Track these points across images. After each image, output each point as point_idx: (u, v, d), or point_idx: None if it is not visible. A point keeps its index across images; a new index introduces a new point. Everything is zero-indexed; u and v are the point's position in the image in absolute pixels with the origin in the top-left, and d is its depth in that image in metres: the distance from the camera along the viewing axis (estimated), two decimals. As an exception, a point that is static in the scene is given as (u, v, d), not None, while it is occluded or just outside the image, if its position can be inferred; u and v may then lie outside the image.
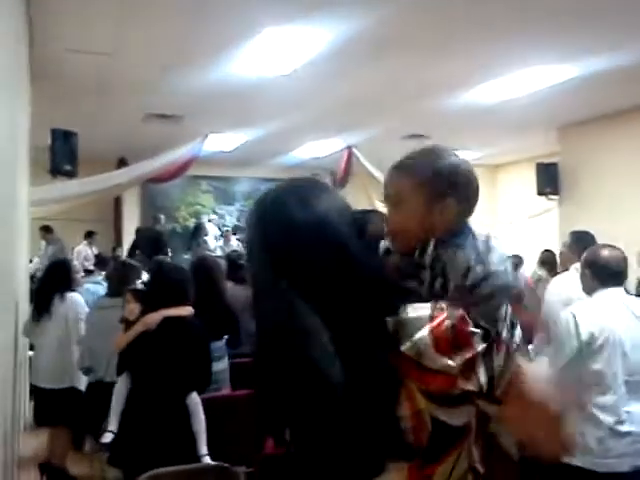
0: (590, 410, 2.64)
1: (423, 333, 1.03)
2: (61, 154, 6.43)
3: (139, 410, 3.07)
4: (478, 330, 1.05)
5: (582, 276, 2.99)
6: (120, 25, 4.91)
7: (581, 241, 4.20)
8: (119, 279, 4.23)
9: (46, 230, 9.29)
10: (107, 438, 3.06)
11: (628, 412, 2.63)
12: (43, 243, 9.41)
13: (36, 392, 4.32)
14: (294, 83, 6.42)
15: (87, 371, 4.06)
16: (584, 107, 7.82)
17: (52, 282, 4.38)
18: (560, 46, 5.54)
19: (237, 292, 4.44)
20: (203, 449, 3.06)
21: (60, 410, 4.21)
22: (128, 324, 3.41)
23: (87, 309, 4.38)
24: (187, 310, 3.20)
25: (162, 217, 10.87)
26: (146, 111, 7.70)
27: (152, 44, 5.40)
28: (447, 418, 1.05)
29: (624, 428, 2.61)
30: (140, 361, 3.13)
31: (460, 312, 1.05)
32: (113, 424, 3.09)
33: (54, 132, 6.46)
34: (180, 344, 3.09)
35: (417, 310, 1.06)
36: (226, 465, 2.63)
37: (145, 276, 4.40)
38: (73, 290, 4.45)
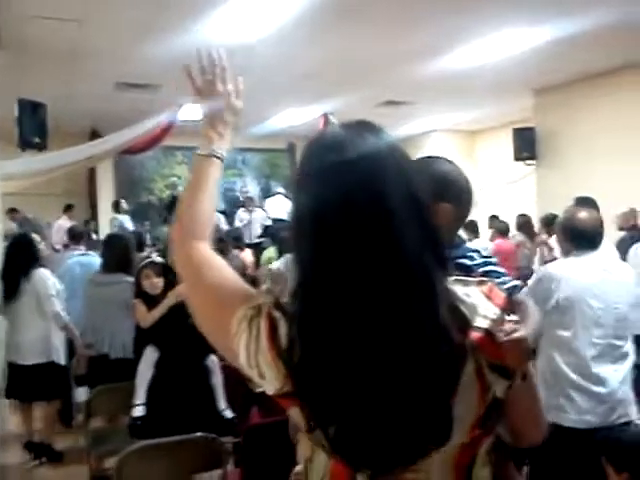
0: (561, 368, 2.69)
1: (484, 302, 1.01)
2: (29, 126, 6.26)
3: (167, 378, 3.17)
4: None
5: (558, 239, 3.06)
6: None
7: (584, 205, 4.24)
8: (117, 255, 4.18)
9: (14, 211, 9.11)
10: (139, 411, 3.12)
11: (597, 373, 2.67)
12: (13, 225, 9.18)
13: (14, 369, 4.27)
14: (266, 50, 6.31)
15: (88, 346, 4.06)
16: (558, 71, 7.81)
17: (16, 260, 4.32)
18: (532, 9, 5.50)
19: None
20: (222, 404, 3.22)
21: (42, 385, 4.19)
22: (149, 298, 3.37)
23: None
24: None
25: (123, 201, 10.53)
26: (118, 80, 7.51)
27: (122, 11, 5.24)
28: (500, 392, 1.00)
29: (593, 388, 2.66)
30: (170, 332, 3.19)
31: (491, 286, 1.05)
32: (141, 397, 3.15)
33: (21, 103, 6.26)
34: None
35: (466, 284, 1.03)
36: (213, 435, 2.63)
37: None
38: (42, 265, 4.37)
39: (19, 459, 4.37)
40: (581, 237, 2.84)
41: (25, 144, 6.21)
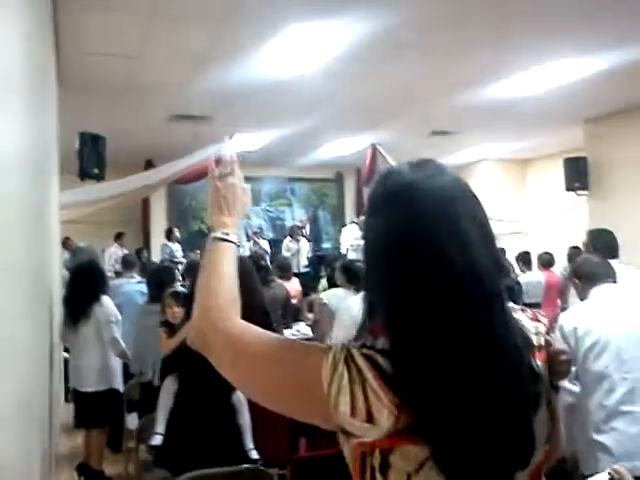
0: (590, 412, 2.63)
1: (539, 327, 1.11)
2: (89, 158, 6.49)
3: (187, 410, 3.12)
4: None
5: (574, 287, 3.08)
6: (147, 28, 4.93)
7: (598, 239, 4.13)
8: (156, 284, 4.29)
9: (68, 240, 9.28)
10: (156, 440, 3.10)
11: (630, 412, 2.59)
12: (66, 254, 9.37)
13: (77, 395, 4.37)
14: (318, 81, 6.41)
15: (140, 374, 4.14)
16: (610, 100, 7.69)
17: (86, 285, 4.35)
18: (583, 39, 5.45)
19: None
20: (249, 443, 3.14)
21: (102, 412, 4.27)
22: (171, 327, 3.43)
23: (120, 311, 4.43)
24: None
25: (176, 230, 10.83)
26: (172, 112, 7.74)
27: (178, 46, 5.43)
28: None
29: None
30: (189, 362, 3.13)
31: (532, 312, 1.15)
32: (161, 426, 3.14)
33: (82, 136, 6.51)
34: None
35: (514, 310, 1.10)
36: (260, 467, 2.63)
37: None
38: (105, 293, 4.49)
39: (69, 482, 4.44)
40: (592, 275, 2.88)
41: (84, 175, 6.44)
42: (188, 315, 3.30)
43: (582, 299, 2.94)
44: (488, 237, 1.03)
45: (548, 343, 1.06)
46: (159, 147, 9.52)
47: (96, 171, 6.48)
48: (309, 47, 5.45)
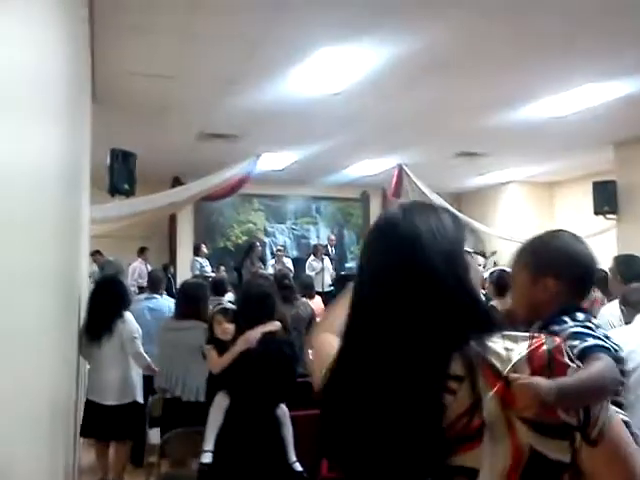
0: None
1: (521, 353, 1.01)
2: (120, 174, 6.59)
3: (237, 426, 3.14)
4: (573, 364, 1.03)
5: (622, 313, 3.17)
6: (181, 48, 5.04)
7: (624, 265, 4.05)
8: (188, 300, 4.29)
9: (98, 254, 9.31)
10: (207, 458, 3.09)
11: None
12: (95, 268, 9.40)
13: (94, 407, 4.38)
14: (346, 102, 6.47)
15: (162, 390, 4.14)
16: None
17: (110, 301, 4.37)
18: (615, 63, 5.43)
19: (284, 311, 4.47)
20: (292, 456, 3.16)
21: (120, 425, 4.29)
22: (220, 344, 3.46)
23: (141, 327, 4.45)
24: (276, 325, 3.28)
25: (204, 246, 10.95)
26: (202, 130, 7.85)
27: (212, 66, 5.53)
28: (546, 450, 0.99)
29: None
30: (241, 378, 3.18)
31: (558, 341, 1.04)
32: (210, 443, 3.14)
33: (113, 152, 6.62)
34: (275, 358, 3.16)
35: (516, 339, 1.05)
36: (306, 480, 2.65)
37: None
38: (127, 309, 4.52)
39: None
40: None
41: (115, 190, 6.54)
42: (239, 331, 3.33)
43: (627, 323, 2.97)
44: (453, 271, 1.08)
45: (516, 371, 0.99)
46: (187, 164, 9.65)
47: (126, 187, 6.58)
48: (337, 69, 5.51)
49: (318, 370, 1.22)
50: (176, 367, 4.08)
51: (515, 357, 1.01)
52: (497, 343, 1.04)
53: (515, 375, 0.98)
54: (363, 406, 1.06)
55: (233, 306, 3.80)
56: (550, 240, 1.62)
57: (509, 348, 1.03)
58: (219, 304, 4.07)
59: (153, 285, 5.69)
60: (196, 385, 3.96)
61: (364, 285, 1.14)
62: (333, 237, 12.13)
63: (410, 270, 1.07)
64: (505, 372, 0.99)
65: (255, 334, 3.17)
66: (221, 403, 3.23)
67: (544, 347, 1.02)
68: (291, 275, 8.69)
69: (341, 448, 1.11)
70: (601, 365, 1.30)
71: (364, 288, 1.13)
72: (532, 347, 1.02)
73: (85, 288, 5.23)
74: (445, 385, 1.00)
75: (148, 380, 4.54)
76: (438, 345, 1.03)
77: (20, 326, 1.34)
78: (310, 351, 1.36)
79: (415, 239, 1.09)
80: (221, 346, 3.46)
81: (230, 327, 3.49)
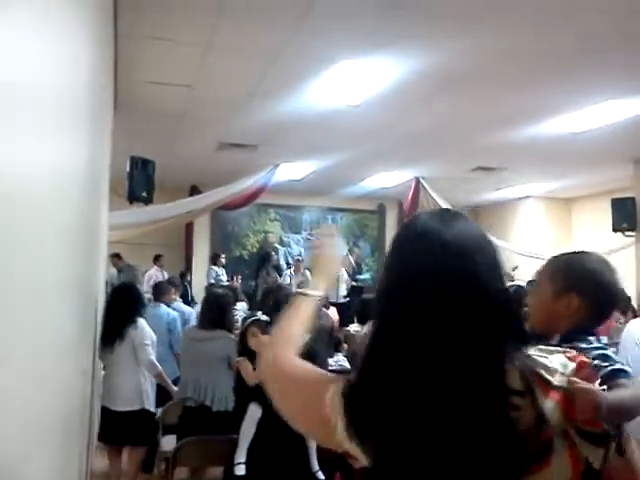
0: None
1: (566, 363, 1.02)
2: (139, 181, 6.66)
3: (269, 439, 3.16)
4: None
5: None
6: (202, 58, 5.08)
7: None
8: (214, 309, 4.30)
9: (117, 257, 9.43)
10: (240, 470, 3.12)
11: None
12: (114, 271, 9.45)
13: (106, 413, 4.41)
14: (365, 114, 6.48)
15: (187, 399, 4.13)
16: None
17: (124, 307, 4.41)
18: (631, 80, 5.39)
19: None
20: (316, 465, 3.23)
21: (132, 431, 4.30)
22: (252, 356, 3.47)
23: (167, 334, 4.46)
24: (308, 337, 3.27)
25: (222, 255, 11.04)
26: (221, 140, 7.90)
27: (232, 77, 5.57)
28: (594, 459, 1.00)
29: None
30: None
31: (579, 354, 1.06)
32: (243, 454, 3.16)
33: (133, 160, 6.70)
34: None
35: (550, 351, 1.05)
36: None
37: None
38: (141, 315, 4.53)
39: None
40: None
41: (133, 197, 6.60)
42: None
43: None
44: (496, 284, 1.06)
45: (571, 383, 1.00)
46: (205, 173, 9.70)
47: (144, 194, 6.64)
48: (357, 82, 5.53)
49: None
50: (204, 377, 4.07)
51: (560, 367, 1.01)
52: (537, 354, 1.04)
53: (578, 380, 0.99)
54: (424, 430, 0.99)
55: (267, 318, 3.81)
56: (582, 260, 1.68)
57: (550, 359, 1.03)
58: (253, 316, 4.07)
59: (156, 294, 5.73)
60: (225, 395, 3.97)
61: (401, 296, 1.07)
62: (356, 250, 12.04)
63: (462, 281, 1.03)
64: (557, 382, 0.99)
65: None
66: (254, 414, 3.23)
67: (586, 360, 1.05)
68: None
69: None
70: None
71: (401, 300, 1.07)
72: (577, 359, 1.04)
73: (102, 294, 5.28)
74: (509, 401, 0.98)
75: (162, 387, 4.55)
76: (494, 359, 1.00)
77: (42, 334, 1.36)
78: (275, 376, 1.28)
79: (464, 249, 1.05)
80: (253, 357, 3.46)
81: (265, 338, 3.50)
